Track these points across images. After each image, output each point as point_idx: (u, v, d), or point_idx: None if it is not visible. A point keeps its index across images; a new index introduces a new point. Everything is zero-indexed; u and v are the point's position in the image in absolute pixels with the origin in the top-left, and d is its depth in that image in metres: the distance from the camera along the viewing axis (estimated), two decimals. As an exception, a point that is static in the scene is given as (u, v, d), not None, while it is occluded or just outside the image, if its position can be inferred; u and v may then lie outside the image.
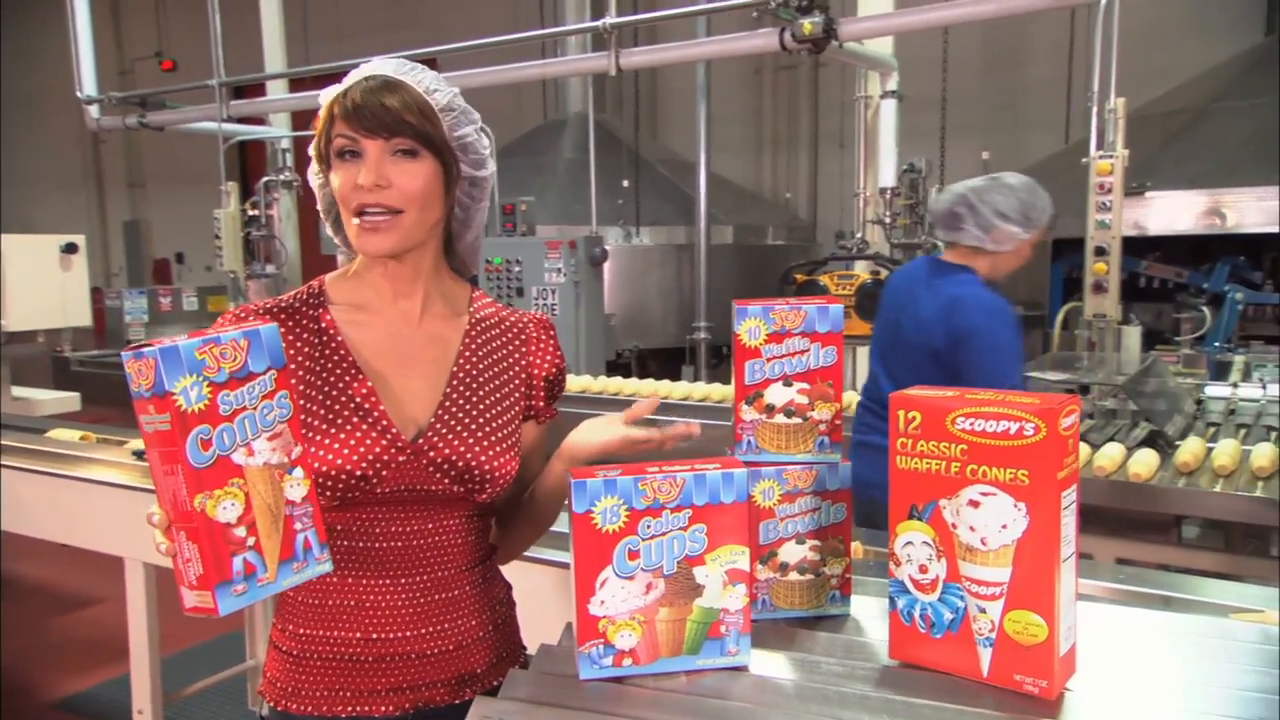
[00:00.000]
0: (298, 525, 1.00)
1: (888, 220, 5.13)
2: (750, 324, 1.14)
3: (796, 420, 1.16)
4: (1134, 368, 3.15)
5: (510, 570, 1.34)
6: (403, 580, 1.18)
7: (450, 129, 1.15)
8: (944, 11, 4.04)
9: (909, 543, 1.03)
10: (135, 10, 13.53)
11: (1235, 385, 3.26)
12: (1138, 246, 4.96)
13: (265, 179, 6.85)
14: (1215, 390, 3.22)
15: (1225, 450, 2.38)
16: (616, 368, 5.95)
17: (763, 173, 9.49)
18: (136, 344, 0.92)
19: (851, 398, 3.20)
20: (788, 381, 1.15)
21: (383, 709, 1.19)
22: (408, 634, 1.18)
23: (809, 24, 4.09)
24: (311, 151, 1.18)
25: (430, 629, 1.19)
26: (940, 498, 1.00)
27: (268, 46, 8.01)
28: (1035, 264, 3.48)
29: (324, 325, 1.19)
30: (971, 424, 0.97)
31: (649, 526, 1.01)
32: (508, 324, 1.28)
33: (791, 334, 1.14)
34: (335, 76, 1.21)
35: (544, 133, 7.98)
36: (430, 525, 1.18)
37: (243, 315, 1.16)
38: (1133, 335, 3.35)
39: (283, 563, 0.98)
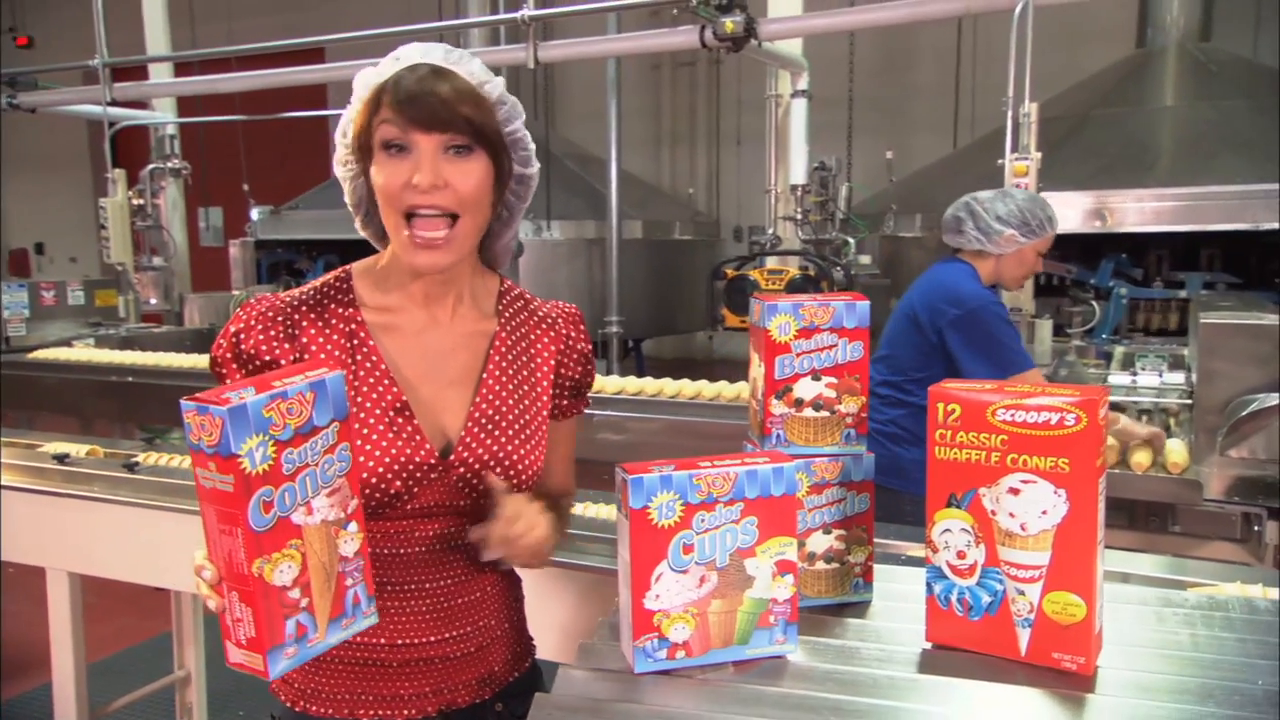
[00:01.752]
0: (349, 581, 0.98)
1: (799, 216, 5.26)
2: (781, 320, 1.17)
3: (824, 414, 1.19)
4: (1047, 359, 3.33)
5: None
6: (427, 585, 1.16)
7: (503, 123, 1.12)
8: (861, 15, 4.17)
9: (947, 530, 1.07)
10: (-13, -18, 12.62)
11: (1135, 374, 3.49)
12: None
13: (151, 166, 6.50)
14: (1117, 379, 3.43)
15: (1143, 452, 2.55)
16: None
17: (663, 169, 9.58)
18: (199, 396, 0.87)
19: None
20: (816, 376, 1.18)
21: (406, 713, 1.17)
22: (432, 639, 1.16)
23: (730, 23, 4.15)
24: (342, 140, 1.13)
25: (454, 633, 1.18)
26: (979, 486, 1.04)
27: (149, 26, 7.59)
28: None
29: (354, 328, 1.14)
30: (1012, 415, 1.01)
31: (703, 520, 1.02)
32: (537, 317, 1.26)
33: (820, 329, 1.17)
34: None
35: (446, 124, 7.84)
36: (453, 530, 1.16)
37: (270, 314, 1.11)
38: (1045, 328, 3.54)
39: (332, 620, 0.96)
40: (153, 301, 6.21)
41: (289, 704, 1.18)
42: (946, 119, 7.85)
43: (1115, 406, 3.05)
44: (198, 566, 0.92)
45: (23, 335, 5.20)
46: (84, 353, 4.89)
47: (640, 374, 4.12)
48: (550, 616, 1.70)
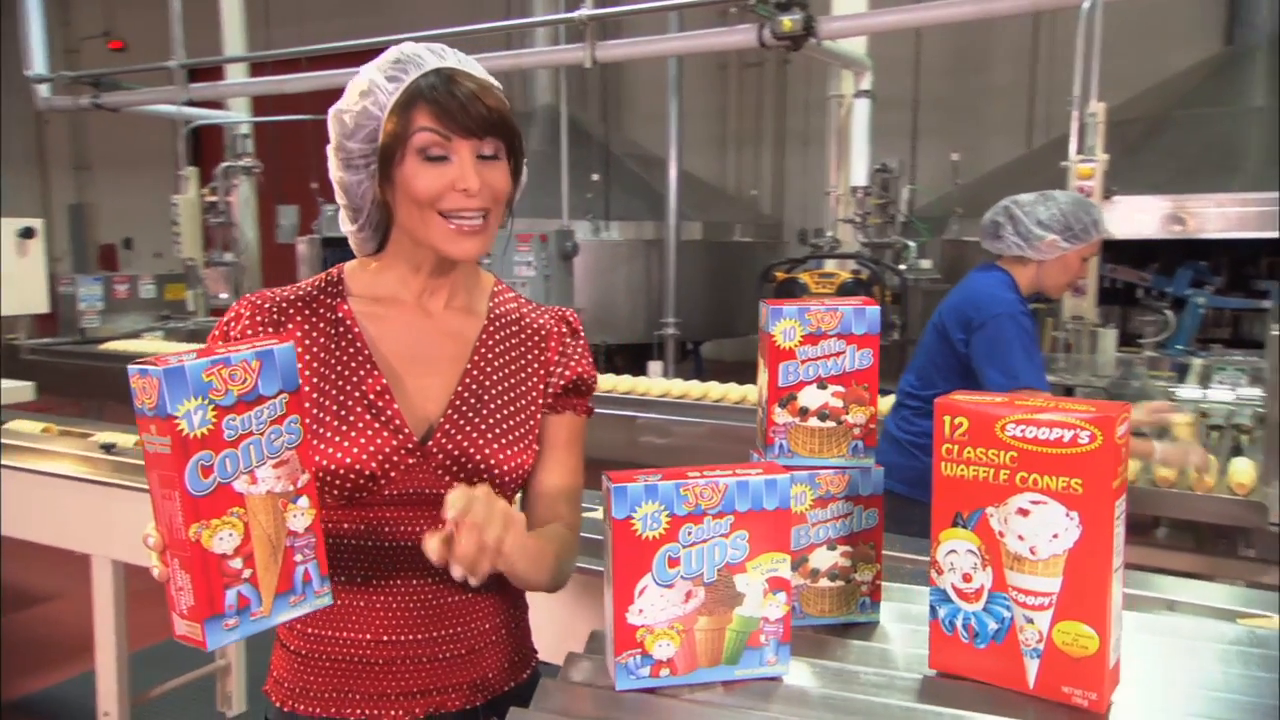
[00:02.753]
0: (298, 557, 0.95)
1: (859, 219, 5.15)
2: (785, 325, 1.12)
3: (830, 424, 1.13)
4: (1110, 370, 3.19)
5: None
6: (414, 581, 1.14)
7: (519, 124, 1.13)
8: (924, 12, 4.06)
9: (952, 551, 1.01)
10: (83, -13, 13.16)
11: (1206, 388, 3.32)
12: (1109, 251, 5.04)
13: (225, 165, 6.68)
14: (1187, 393, 3.27)
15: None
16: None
17: (727, 169, 9.50)
18: (144, 359, 0.88)
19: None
20: (822, 384, 1.13)
21: (393, 713, 1.15)
22: (419, 637, 1.14)
23: (789, 21, 4.08)
24: (346, 138, 1.10)
25: (442, 632, 1.15)
26: (987, 505, 0.98)
27: (227, 28, 7.81)
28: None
29: (341, 316, 1.14)
30: (1023, 431, 0.95)
31: (690, 533, 0.97)
32: (526, 321, 1.24)
33: (827, 335, 1.12)
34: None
35: (511, 124, 7.89)
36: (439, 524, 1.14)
37: (260, 304, 1.12)
38: (1108, 338, 3.39)
39: (279, 595, 0.94)
40: (222, 295, 6.38)
41: (279, 704, 1.17)
42: (1019, 120, 7.63)
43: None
44: (145, 535, 0.91)
45: (97, 327, 5.39)
46: (152, 344, 5.05)
47: (700, 376, 4.07)
48: (549, 616, 1.67)
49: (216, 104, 7.54)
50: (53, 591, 4.01)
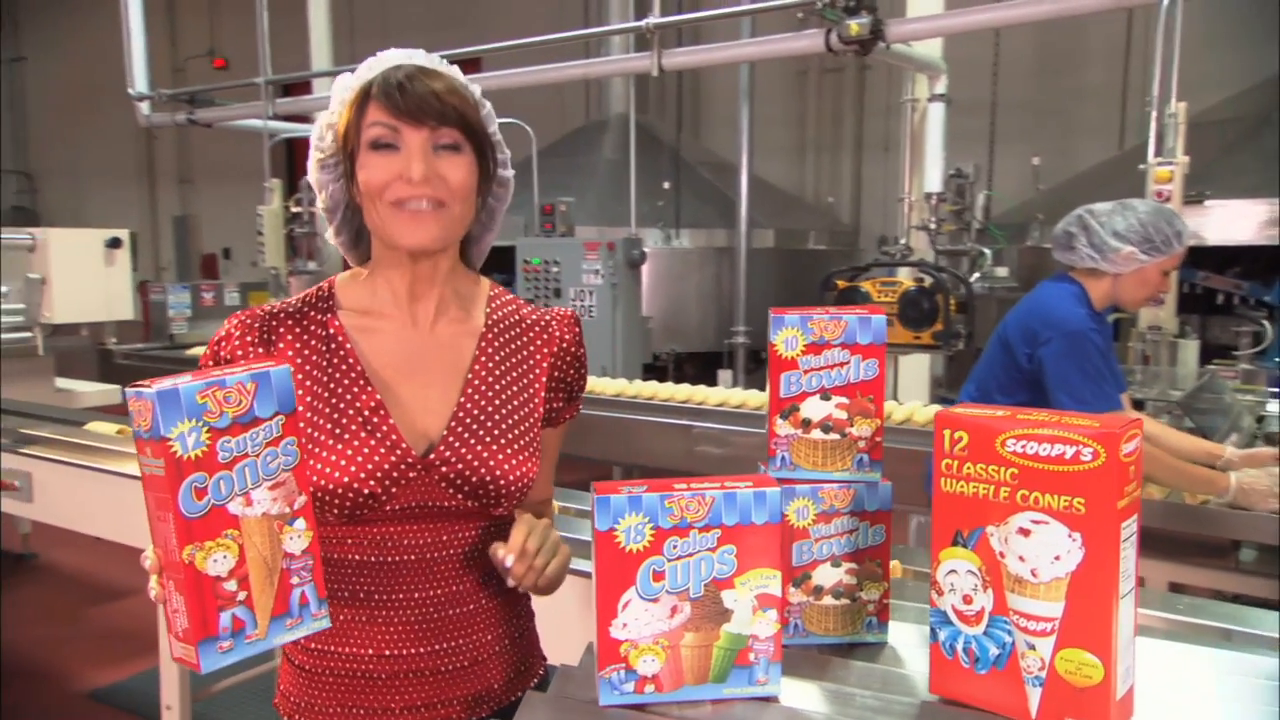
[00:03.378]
0: (295, 579, 0.95)
1: (933, 226, 5.02)
2: (787, 334, 1.08)
3: (834, 436, 1.09)
4: (1190, 383, 3.03)
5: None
6: (416, 595, 1.13)
7: (485, 122, 1.11)
8: (995, 13, 3.93)
9: (952, 571, 0.96)
10: (189, 9, 13.76)
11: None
12: (1196, 257, 4.81)
13: (308, 177, 6.89)
14: (1277, 407, 3.09)
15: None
16: (654, 371, 5.89)
17: (805, 176, 9.38)
18: (140, 382, 0.88)
19: (899, 408, 3.11)
20: (826, 395, 1.09)
21: (397, 727, 1.15)
22: (421, 650, 1.14)
23: (856, 25, 4.00)
24: (319, 143, 1.12)
25: (445, 645, 1.15)
26: (987, 524, 0.93)
27: (314, 44, 8.07)
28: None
29: (332, 332, 1.13)
30: (1023, 447, 0.90)
31: (675, 546, 0.95)
32: (528, 323, 1.22)
33: (831, 345, 1.08)
34: None
35: (586, 133, 7.96)
36: (445, 538, 1.14)
37: (250, 322, 1.12)
38: (1189, 349, 3.22)
39: (275, 619, 0.94)
40: (304, 303, 6.55)
41: (286, 717, 1.18)
42: (1110, 122, 7.34)
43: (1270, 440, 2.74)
44: (143, 556, 0.93)
45: (185, 333, 5.62)
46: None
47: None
48: (574, 629, 1.66)
49: (304, 118, 7.80)
50: (131, 587, 4.17)
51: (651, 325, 5.72)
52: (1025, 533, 0.90)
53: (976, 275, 4.74)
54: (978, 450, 0.93)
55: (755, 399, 3.38)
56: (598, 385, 3.72)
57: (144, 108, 7.23)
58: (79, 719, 3.20)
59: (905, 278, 4.37)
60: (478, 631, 1.17)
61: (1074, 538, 0.88)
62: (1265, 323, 4.22)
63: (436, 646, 1.14)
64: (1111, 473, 0.86)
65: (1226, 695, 1.01)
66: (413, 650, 1.14)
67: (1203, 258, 4.82)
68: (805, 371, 1.09)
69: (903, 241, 5.26)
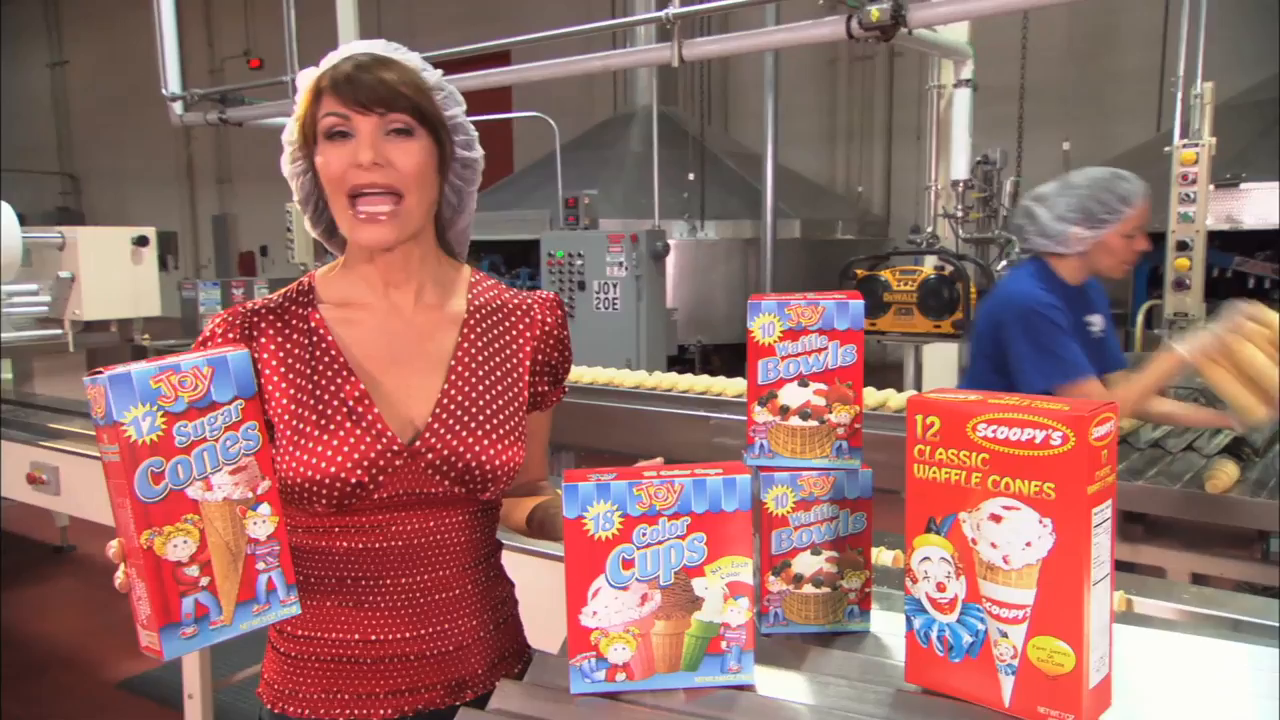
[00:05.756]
0: (260, 565, 0.95)
1: (959, 214, 4.95)
2: (764, 320, 1.07)
3: (813, 423, 1.08)
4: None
5: (518, 565, 1.30)
6: (403, 580, 1.14)
7: (441, 107, 1.11)
8: (1020, -4, 3.86)
9: (926, 558, 0.95)
10: (226, 10, 13.97)
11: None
12: (1231, 242, 4.70)
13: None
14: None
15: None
16: (681, 362, 5.88)
17: (835, 166, 9.30)
18: (95, 370, 0.88)
19: (876, 396, 3.06)
20: (803, 381, 1.08)
21: (381, 712, 1.16)
22: (406, 635, 1.15)
23: (876, 10, 3.94)
24: (288, 137, 1.14)
25: (428, 630, 1.15)
26: (959, 510, 0.91)
27: (342, 43, 8.14)
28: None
29: (313, 325, 1.14)
30: (994, 431, 0.88)
31: (644, 534, 0.95)
32: (510, 307, 1.22)
33: (809, 331, 1.07)
34: None
35: (612, 125, 7.95)
36: (432, 524, 1.14)
37: (232, 320, 1.12)
38: (1217, 335, 3.13)
39: (240, 604, 0.94)
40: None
41: (270, 706, 1.19)
42: (1147, 104, 7.19)
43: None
44: (109, 545, 0.94)
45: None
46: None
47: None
48: (541, 610, 1.66)
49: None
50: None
51: (677, 317, 5.71)
52: (997, 519, 0.89)
53: (1004, 263, 4.67)
54: (949, 435, 0.91)
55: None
56: (617, 377, 3.71)
57: (177, 108, 7.33)
58: (108, 708, 3.27)
59: (927, 266, 4.32)
60: (461, 617, 1.18)
61: (1045, 523, 0.86)
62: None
63: (421, 631, 1.15)
64: (1081, 457, 0.84)
65: (1225, 686, 0.98)
66: (397, 635, 1.14)
67: (1236, 242, 4.71)
68: (783, 358, 1.08)
69: (929, 230, 5.19)
